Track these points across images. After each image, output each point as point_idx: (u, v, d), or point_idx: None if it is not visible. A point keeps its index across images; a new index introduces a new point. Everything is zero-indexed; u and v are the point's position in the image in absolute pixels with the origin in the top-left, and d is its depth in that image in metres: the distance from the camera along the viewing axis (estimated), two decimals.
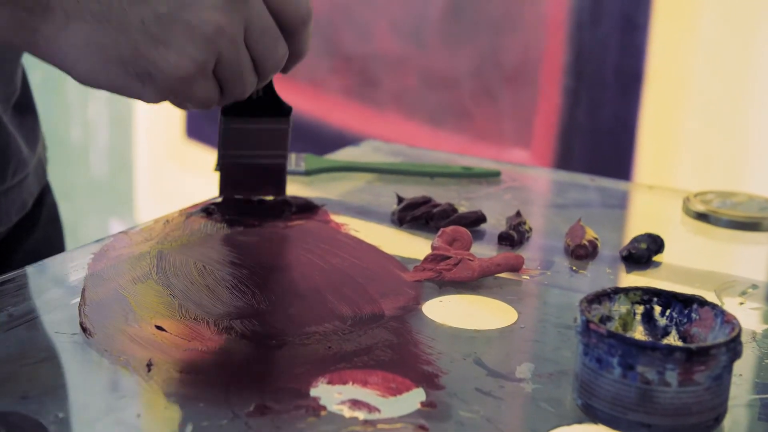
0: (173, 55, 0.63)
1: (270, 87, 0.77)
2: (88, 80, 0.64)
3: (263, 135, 0.79)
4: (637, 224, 0.92)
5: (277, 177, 0.83)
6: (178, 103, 0.67)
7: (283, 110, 0.78)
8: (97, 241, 0.76)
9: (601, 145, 1.70)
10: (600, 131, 1.70)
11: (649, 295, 0.57)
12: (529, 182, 1.02)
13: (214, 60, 0.64)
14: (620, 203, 0.98)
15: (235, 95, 0.67)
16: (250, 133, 0.79)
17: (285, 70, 0.71)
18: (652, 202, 0.98)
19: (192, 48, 0.63)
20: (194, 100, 0.66)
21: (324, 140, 1.97)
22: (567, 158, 1.73)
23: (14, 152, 0.83)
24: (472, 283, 0.72)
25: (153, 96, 0.65)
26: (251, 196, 0.83)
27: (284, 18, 0.67)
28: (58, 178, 1.14)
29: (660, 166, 1.63)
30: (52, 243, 0.94)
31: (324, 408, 0.53)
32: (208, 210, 0.82)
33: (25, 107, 0.89)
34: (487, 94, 1.82)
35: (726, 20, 1.53)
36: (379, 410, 0.54)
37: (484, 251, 0.78)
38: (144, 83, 0.64)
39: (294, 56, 0.70)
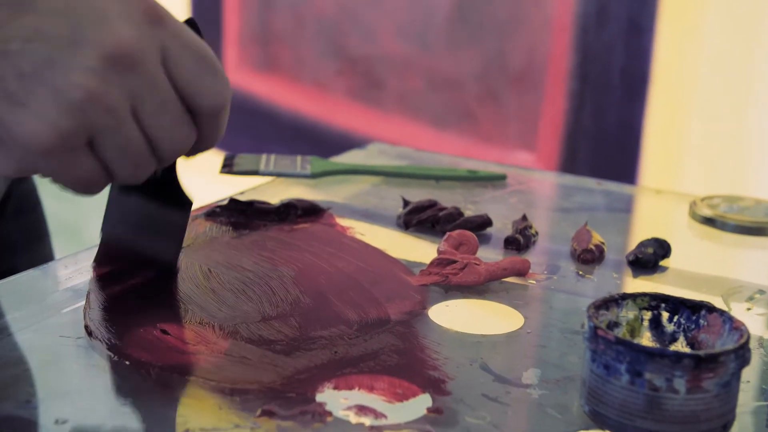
0: (31, 119, 0.53)
1: (172, 171, 0.65)
2: None
3: (156, 222, 0.66)
4: (644, 228, 0.92)
5: (165, 266, 0.69)
6: (54, 180, 0.57)
7: (182, 202, 0.66)
8: None
9: (607, 148, 1.70)
10: (605, 134, 1.69)
11: (656, 301, 0.57)
12: (534, 186, 1.02)
13: (84, 133, 0.54)
14: (626, 207, 0.98)
15: (124, 178, 0.58)
16: (141, 214, 0.66)
17: (191, 154, 0.61)
18: (658, 206, 0.97)
19: (54, 114, 0.53)
20: (69, 179, 0.56)
21: (328, 142, 1.97)
22: (572, 161, 1.73)
23: None
24: (479, 287, 0.71)
25: (7, 166, 0.55)
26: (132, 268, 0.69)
27: (195, 102, 0.58)
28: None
29: (665, 169, 1.63)
30: (32, 229, 0.93)
31: (330, 414, 0.53)
32: (212, 213, 0.82)
33: None
34: (492, 96, 1.82)
35: (731, 23, 1.52)
36: (385, 416, 0.53)
37: (490, 255, 0.78)
38: None
39: (203, 143, 0.60)
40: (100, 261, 0.69)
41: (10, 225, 0.90)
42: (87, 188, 0.58)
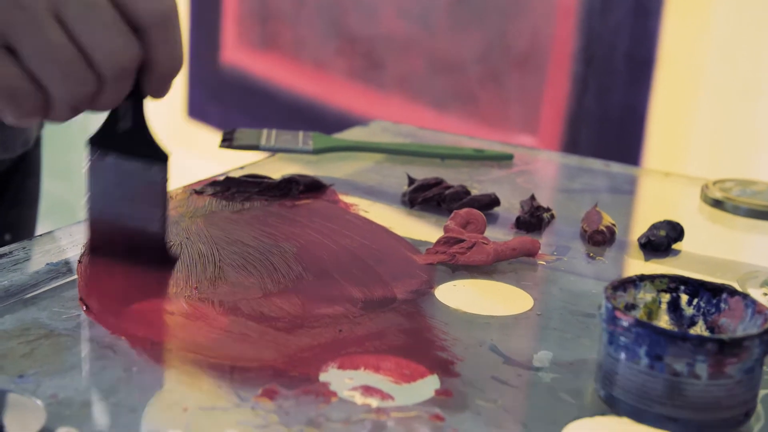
0: None
1: (140, 121, 0.60)
2: None
3: (136, 183, 0.61)
4: (654, 211, 0.89)
5: (153, 246, 0.63)
6: None
7: (159, 156, 0.61)
8: None
9: (610, 132, 1.67)
10: (609, 118, 1.67)
11: (676, 283, 0.55)
12: (541, 166, 1.00)
13: None
14: (635, 189, 0.96)
15: (59, 93, 0.53)
16: (120, 178, 0.61)
17: (154, 91, 0.58)
18: (667, 189, 0.95)
19: None
20: None
21: (327, 122, 1.94)
22: (574, 145, 1.70)
23: None
24: (486, 267, 0.69)
25: None
26: (129, 260, 0.63)
27: (129, 9, 0.53)
28: (58, 159, 1.11)
29: (670, 154, 1.60)
30: (30, 193, 0.94)
31: (334, 394, 0.51)
32: (212, 186, 0.79)
33: None
34: (495, 79, 1.79)
35: (739, 6, 1.50)
36: (392, 397, 0.51)
37: (498, 235, 0.75)
38: None
39: (157, 66, 0.56)
40: (90, 242, 0.64)
41: (12, 187, 0.91)
42: (19, 104, 0.53)
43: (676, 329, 0.54)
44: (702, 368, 0.48)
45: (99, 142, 0.61)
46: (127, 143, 0.60)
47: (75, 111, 0.55)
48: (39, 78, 0.52)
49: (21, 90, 0.52)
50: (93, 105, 0.56)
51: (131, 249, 0.63)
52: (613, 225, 0.76)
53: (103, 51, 0.53)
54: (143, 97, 0.59)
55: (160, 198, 0.62)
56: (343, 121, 1.82)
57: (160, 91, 0.58)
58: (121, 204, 0.62)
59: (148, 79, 0.57)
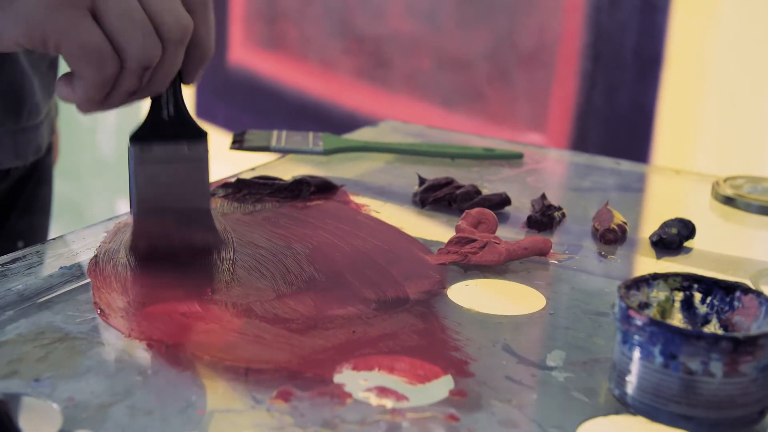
0: None
1: (181, 105, 0.64)
2: None
3: (180, 167, 0.65)
4: (665, 209, 0.89)
5: (202, 223, 0.66)
6: (62, 50, 0.57)
7: (198, 134, 0.65)
8: (110, 219, 0.73)
9: (618, 129, 1.67)
10: (617, 116, 1.67)
11: (689, 282, 0.55)
12: (550, 165, 0.99)
13: None
14: (646, 187, 0.96)
15: (135, 56, 0.57)
16: (165, 164, 0.65)
17: (191, 73, 0.62)
18: (678, 186, 0.95)
19: None
20: (76, 45, 0.56)
21: (334, 122, 1.94)
22: (583, 143, 1.70)
23: (28, 93, 0.84)
24: (498, 267, 0.69)
25: (15, 28, 0.56)
26: (169, 253, 0.66)
27: None
28: (65, 158, 1.11)
29: (678, 151, 1.60)
30: (42, 201, 0.96)
31: (349, 395, 0.51)
32: (223, 188, 0.79)
33: (50, 61, 0.90)
34: (502, 76, 1.79)
35: (747, 1, 1.49)
36: (407, 398, 0.51)
37: (509, 234, 0.75)
38: (2, 8, 0.56)
39: (195, 44, 0.61)
40: (137, 238, 0.65)
41: (24, 194, 0.92)
42: (101, 67, 0.57)
43: (689, 328, 0.54)
44: (717, 367, 0.48)
45: (143, 135, 0.64)
46: (170, 130, 0.64)
47: (139, 81, 0.59)
48: (119, 41, 0.57)
49: (105, 52, 0.57)
50: (155, 74, 0.60)
51: (182, 234, 0.65)
52: (625, 223, 0.76)
53: (170, 16, 0.58)
54: (182, 82, 0.63)
55: (206, 173, 0.66)
56: (351, 121, 1.82)
57: (195, 75, 0.63)
58: (169, 189, 0.65)
59: (187, 61, 0.61)
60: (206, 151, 0.65)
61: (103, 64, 0.57)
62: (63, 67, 0.92)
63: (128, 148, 0.64)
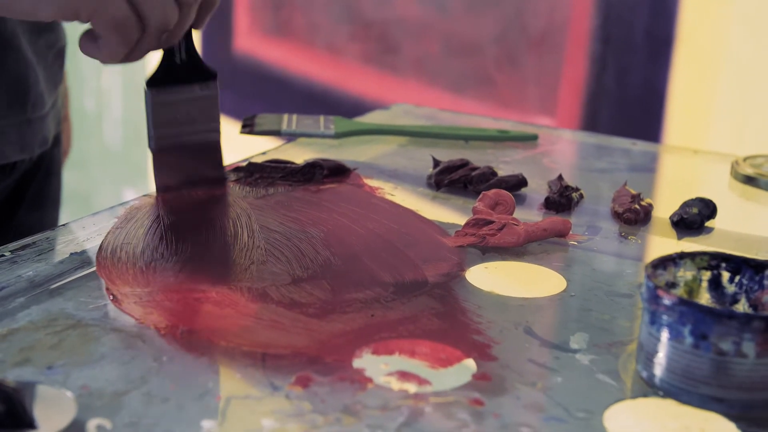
0: None
1: (192, 50, 0.71)
2: None
3: (193, 106, 0.72)
4: (684, 189, 0.88)
5: (214, 155, 0.74)
6: (92, 21, 0.61)
7: (208, 74, 0.72)
8: (121, 204, 0.72)
9: (629, 111, 1.65)
10: (628, 98, 1.65)
11: (717, 260, 0.53)
12: (565, 146, 0.98)
13: None
14: (661, 167, 0.94)
15: (156, 23, 0.63)
16: (179, 105, 0.72)
17: (199, 21, 0.68)
18: (696, 165, 0.93)
19: None
20: (106, 18, 0.61)
21: (342, 108, 1.92)
22: (593, 125, 1.68)
23: (33, 85, 0.84)
24: (517, 249, 0.68)
25: (48, 5, 0.60)
26: (188, 184, 0.74)
27: None
28: (71, 148, 1.10)
29: (690, 133, 1.58)
30: (51, 194, 0.95)
31: (370, 380, 0.50)
32: (235, 173, 0.78)
33: (57, 51, 0.90)
34: (512, 60, 1.77)
35: None
36: (429, 382, 0.50)
37: (527, 216, 0.74)
38: None
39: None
40: (158, 177, 0.73)
41: (32, 188, 0.91)
42: (125, 33, 0.62)
43: (719, 307, 0.53)
44: (749, 347, 0.47)
45: (158, 80, 0.71)
46: (183, 73, 0.71)
47: (158, 42, 0.65)
48: (143, 10, 0.62)
49: (130, 22, 0.62)
50: (171, 33, 0.65)
51: (194, 167, 0.73)
52: (650, 204, 0.75)
53: None
54: (191, 28, 0.69)
55: (217, 109, 0.73)
56: (359, 107, 1.80)
57: (203, 22, 0.68)
58: (183, 126, 0.72)
59: (198, 11, 0.66)
60: (216, 89, 0.73)
61: (128, 32, 0.62)
62: (69, 59, 0.91)
63: (144, 91, 0.71)
